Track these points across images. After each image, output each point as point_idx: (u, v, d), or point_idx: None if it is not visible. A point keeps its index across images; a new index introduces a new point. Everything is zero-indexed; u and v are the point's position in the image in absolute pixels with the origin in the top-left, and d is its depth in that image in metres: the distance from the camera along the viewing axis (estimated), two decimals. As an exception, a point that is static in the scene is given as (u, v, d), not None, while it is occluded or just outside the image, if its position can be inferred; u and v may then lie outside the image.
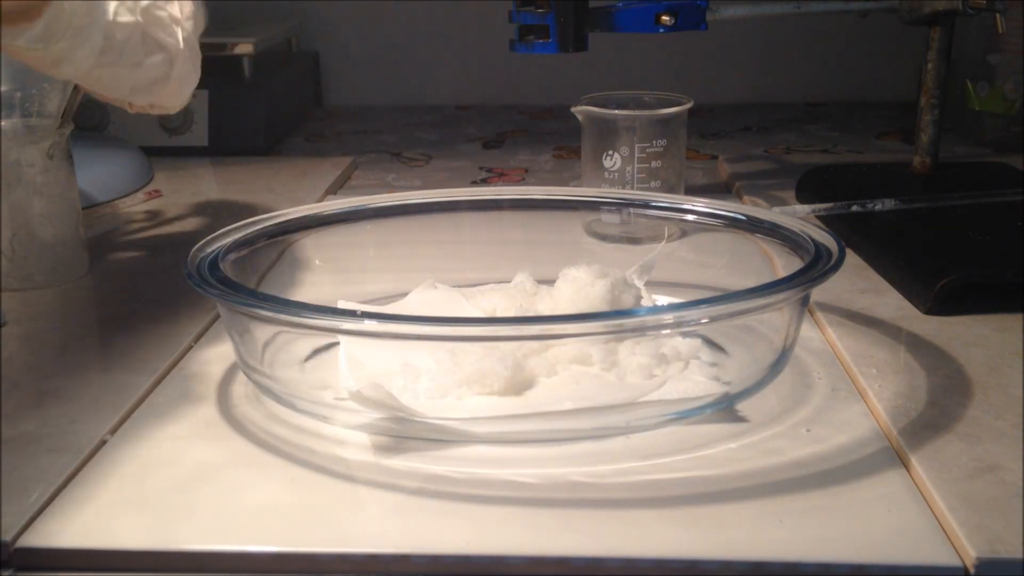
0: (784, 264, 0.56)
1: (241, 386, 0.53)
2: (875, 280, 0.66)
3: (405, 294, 0.62)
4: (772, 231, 0.57)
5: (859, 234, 0.71)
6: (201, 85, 0.61)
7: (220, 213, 0.84)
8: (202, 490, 0.44)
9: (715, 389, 0.49)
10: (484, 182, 0.95)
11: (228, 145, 1.02)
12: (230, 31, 1.06)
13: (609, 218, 0.71)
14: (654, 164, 0.73)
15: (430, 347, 0.52)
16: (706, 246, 0.64)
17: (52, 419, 0.49)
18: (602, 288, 0.55)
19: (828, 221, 0.74)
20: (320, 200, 0.87)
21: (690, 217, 0.62)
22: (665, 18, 0.77)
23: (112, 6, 0.52)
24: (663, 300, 0.60)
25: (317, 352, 0.55)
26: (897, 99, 1.21)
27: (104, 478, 0.45)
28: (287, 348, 0.54)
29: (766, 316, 0.50)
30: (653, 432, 0.48)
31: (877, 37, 1.20)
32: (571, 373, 0.52)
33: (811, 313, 0.61)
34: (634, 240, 0.71)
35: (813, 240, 0.52)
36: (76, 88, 0.65)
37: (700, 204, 0.61)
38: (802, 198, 0.82)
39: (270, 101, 1.06)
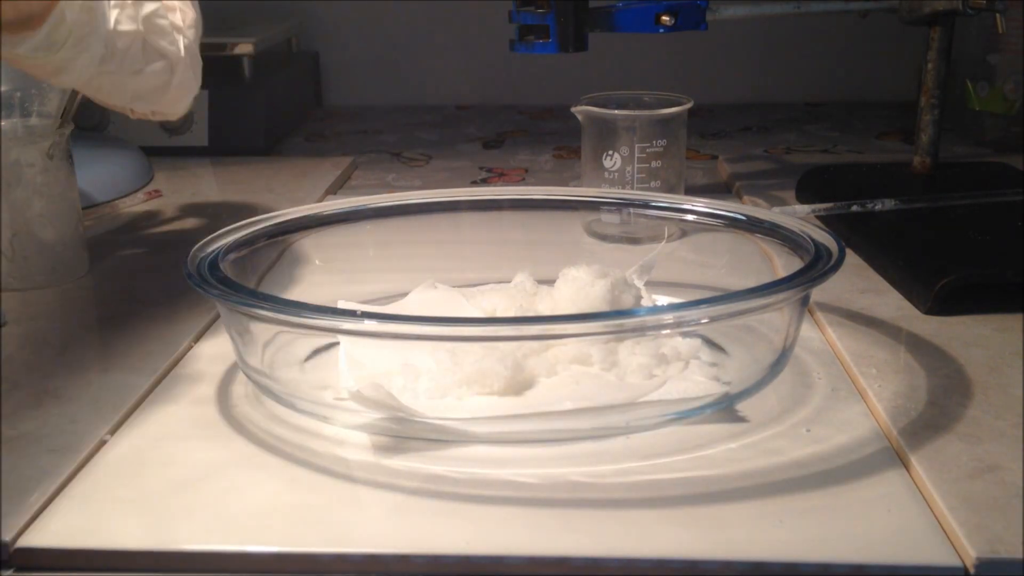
0: (784, 264, 0.56)
1: (241, 386, 0.53)
2: (875, 280, 0.66)
3: (405, 294, 0.62)
4: (772, 231, 0.57)
5: (859, 234, 0.71)
6: (201, 85, 0.61)
7: (220, 213, 0.84)
8: (202, 490, 0.44)
9: (715, 389, 0.49)
10: (484, 182, 0.95)
11: (228, 145, 1.02)
12: (230, 31, 1.06)
13: (609, 218, 0.71)
14: (654, 164, 0.73)
15: (430, 347, 0.52)
16: (706, 246, 0.64)
17: (52, 419, 0.49)
18: (602, 288, 0.55)
19: (828, 221, 0.74)
20: (320, 200, 0.87)
21: (690, 217, 0.62)
22: (665, 18, 0.77)
23: (113, 15, 0.52)
24: (663, 300, 0.60)
25: (317, 352, 0.55)
26: (897, 99, 1.21)
27: (104, 478, 0.45)
28: (287, 348, 0.54)
29: (766, 316, 0.50)
30: (653, 432, 0.48)
31: (877, 37, 1.20)
32: (571, 373, 0.52)
33: (811, 313, 0.61)
34: (634, 240, 0.71)
35: (813, 240, 0.52)
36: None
37: (700, 204, 0.61)
38: (802, 198, 0.82)
39: (270, 101, 1.06)
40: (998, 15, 0.74)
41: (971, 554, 0.38)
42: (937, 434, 0.47)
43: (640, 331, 0.51)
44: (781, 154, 1.02)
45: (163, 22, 0.55)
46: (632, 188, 0.73)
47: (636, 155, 0.73)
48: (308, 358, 0.55)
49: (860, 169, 0.88)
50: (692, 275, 0.64)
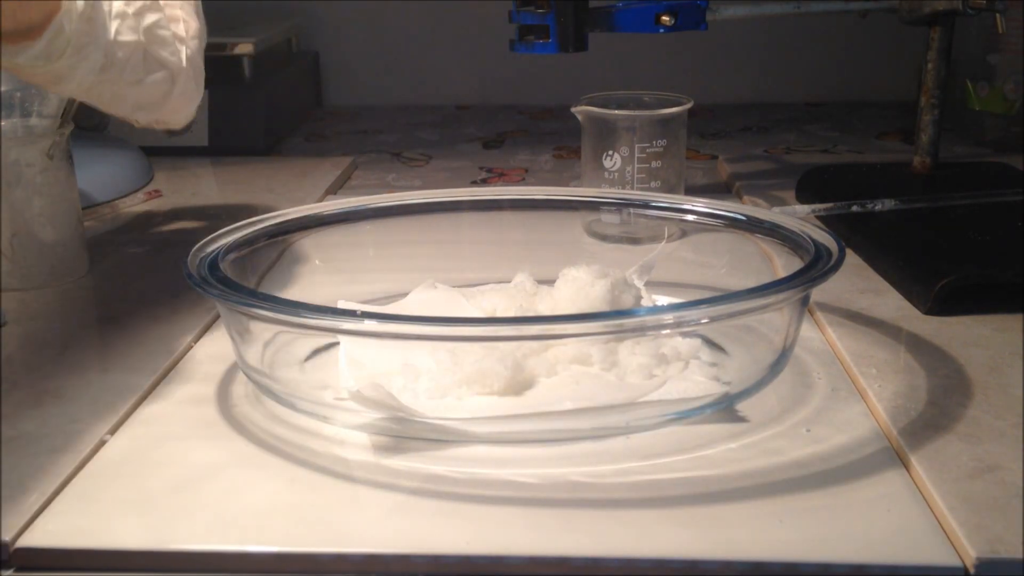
0: (784, 264, 0.56)
1: (241, 386, 0.53)
2: (875, 280, 0.66)
3: (405, 294, 0.62)
4: (772, 231, 0.57)
5: (859, 234, 0.71)
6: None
7: (220, 213, 0.84)
8: (202, 490, 0.44)
9: (715, 389, 0.49)
10: (484, 182, 0.95)
11: (228, 145, 1.02)
12: (230, 31, 1.06)
13: (609, 218, 0.71)
14: (654, 164, 0.73)
15: (430, 347, 0.52)
16: (706, 246, 0.64)
17: (52, 419, 0.49)
18: (602, 288, 0.55)
19: (828, 221, 0.74)
20: (320, 200, 0.87)
21: (690, 217, 0.62)
22: (665, 18, 0.77)
23: (114, 25, 0.52)
24: (663, 300, 0.60)
25: (317, 352, 0.55)
26: (897, 99, 1.21)
27: (104, 478, 0.45)
28: (287, 348, 0.54)
29: (766, 316, 0.50)
30: (653, 432, 0.48)
31: (877, 37, 1.20)
32: (571, 373, 0.52)
33: (811, 313, 0.61)
34: (634, 240, 0.71)
35: (813, 240, 0.52)
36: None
37: (700, 204, 0.61)
38: (802, 198, 0.82)
39: (270, 101, 1.06)
40: (998, 15, 0.74)
41: (971, 554, 0.38)
42: (937, 434, 0.47)
43: (640, 331, 0.51)
44: (781, 154, 1.02)
45: (165, 33, 0.55)
46: (632, 188, 0.73)
47: (636, 155, 0.73)
48: (308, 358, 0.55)
49: (860, 169, 0.88)
50: (692, 275, 0.64)
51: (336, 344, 0.54)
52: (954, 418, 0.48)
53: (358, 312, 0.53)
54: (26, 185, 0.65)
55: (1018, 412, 0.48)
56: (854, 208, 0.73)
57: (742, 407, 0.50)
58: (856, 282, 0.65)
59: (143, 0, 0.53)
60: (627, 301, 0.56)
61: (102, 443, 0.48)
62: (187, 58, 0.57)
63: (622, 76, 1.21)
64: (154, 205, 0.86)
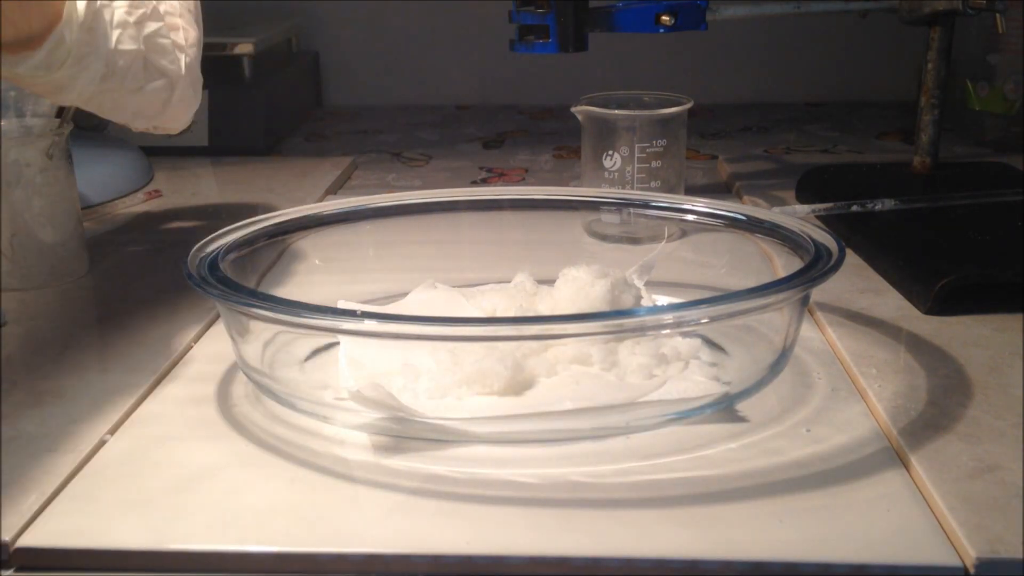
0: (784, 264, 0.56)
1: (241, 386, 0.53)
2: (875, 280, 0.66)
3: (405, 294, 0.62)
4: (772, 231, 0.57)
5: (859, 234, 0.71)
6: (201, 86, 0.61)
7: (220, 213, 0.84)
8: (202, 490, 0.44)
9: (715, 389, 0.49)
10: (484, 182, 0.95)
11: (228, 145, 1.02)
12: (230, 31, 1.06)
13: (609, 218, 0.71)
14: (654, 164, 0.73)
15: (430, 347, 0.52)
16: (706, 246, 0.64)
17: (52, 419, 0.49)
18: (602, 288, 0.55)
19: (828, 221, 0.74)
20: (320, 200, 0.87)
21: (690, 217, 0.62)
22: (665, 18, 0.77)
23: (115, 35, 0.52)
24: (663, 300, 0.60)
25: (317, 352, 0.55)
26: (897, 99, 1.21)
27: (104, 478, 0.45)
28: (287, 348, 0.54)
29: (766, 316, 0.50)
30: (653, 432, 0.48)
31: (877, 37, 1.20)
32: (571, 373, 0.52)
33: (811, 313, 0.61)
34: (634, 240, 0.71)
35: (813, 240, 0.52)
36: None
37: (700, 204, 0.61)
38: (802, 198, 0.82)
39: (270, 101, 1.06)
40: (998, 15, 0.74)
41: (971, 554, 0.38)
42: (937, 434, 0.47)
43: (640, 331, 0.51)
44: (781, 154, 1.02)
45: (165, 41, 0.55)
46: (632, 188, 0.73)
47: (636, 155, 0.73)
48: (308, 358, 0.55)
49: (860, 169, 0.88)
50: (692, 275, 0.64)
51: (336, 344, 0.54)
52: (954, 418, 0.48)
53: (358, 312, 0.53)
54: (26, 185, 0.65)
55: (1018, 412, 0.48)
56: (854, 208, 0.73)
57: (742, 407, 0.50)
58: (856, 282, 0.65)
59: (144, 8, 0.54)
60: (627, 301, 0.56)
61: (102, 443, 0.48)
62: (186, 66, 0.57)
63: (622, 76, 1.21)
64: (154, 205, 0.86)
